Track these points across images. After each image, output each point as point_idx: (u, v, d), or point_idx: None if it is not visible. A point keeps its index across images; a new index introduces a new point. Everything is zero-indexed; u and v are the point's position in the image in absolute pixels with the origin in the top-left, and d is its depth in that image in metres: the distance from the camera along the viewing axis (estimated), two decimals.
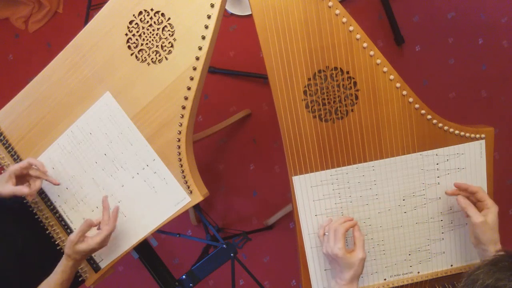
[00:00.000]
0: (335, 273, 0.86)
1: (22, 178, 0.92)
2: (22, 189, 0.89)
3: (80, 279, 1.00)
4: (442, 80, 1.75)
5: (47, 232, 0.99)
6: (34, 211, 0.98)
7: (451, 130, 0.88)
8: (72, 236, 0.87)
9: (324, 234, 0.87)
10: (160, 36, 0.85)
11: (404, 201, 0.91)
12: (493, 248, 0.83)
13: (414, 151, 0.88)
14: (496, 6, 1.72)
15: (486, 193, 0.87)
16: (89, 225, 0.89)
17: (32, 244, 1.00)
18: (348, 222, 0.86)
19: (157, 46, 0.85)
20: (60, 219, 0.98)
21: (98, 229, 0.92)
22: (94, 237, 0.88)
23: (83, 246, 0.87)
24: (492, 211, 0.83)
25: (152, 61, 0.86)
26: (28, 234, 1.00)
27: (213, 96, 1.86)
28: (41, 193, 0.97)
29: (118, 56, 0.88)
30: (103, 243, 0.89)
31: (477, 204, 0.86)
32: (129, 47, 0.87)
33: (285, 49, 0.82)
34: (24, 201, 0.98)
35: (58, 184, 0.94)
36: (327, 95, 0.85)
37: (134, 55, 0.87)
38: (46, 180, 0.93)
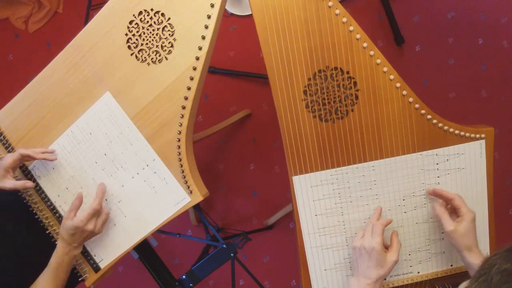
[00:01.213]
0: (358, 271, 0.84)
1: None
2: (26, 184, 0.90)
3: (80, 279, 1.00)
4: (442, 80, 1.75)
5: (47, 232, 0.99)
6: (33, 211, 0.98)
7: (451, 130, 0.88)
8: (65, 213, 0.89)
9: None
10: (160, 36, 0.85)
11: (404, 201, 0.91)
12: (468, 254, 0.82)
13: (414, 151, 0.88)
14: (496, 6, 1.72)
15: (462, 200, 0.85)
16: (80, 199, 0.90)
17: (32, 244, 1.00)
18: (384, 219, 0.88)
19: (157, 46, 0.85)
20: (60, 219, 0.98)
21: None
22: (80, 214, 0.88)
23: (68, 222, 0.87)
24: (465, 218, 0.82)
25: (152, 61, 0.86)
26: (28, 234, 1.00)
27: (213, 96, 1.86)
28: (41, 193, 0.97)
29: (118, 56, 0.88)
30: (89, 224, 0.88)
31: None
32: (129, 47, 0.87)
33: (285, 49, 0.82)
34: (21, 196, 0.98)
35: (55, 159, 0.93)
36: (327, 95, 0.85)
37: (134, 55, 0.87)
38: (44, 159, 0.92)
